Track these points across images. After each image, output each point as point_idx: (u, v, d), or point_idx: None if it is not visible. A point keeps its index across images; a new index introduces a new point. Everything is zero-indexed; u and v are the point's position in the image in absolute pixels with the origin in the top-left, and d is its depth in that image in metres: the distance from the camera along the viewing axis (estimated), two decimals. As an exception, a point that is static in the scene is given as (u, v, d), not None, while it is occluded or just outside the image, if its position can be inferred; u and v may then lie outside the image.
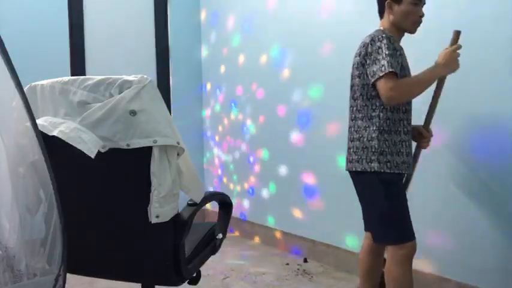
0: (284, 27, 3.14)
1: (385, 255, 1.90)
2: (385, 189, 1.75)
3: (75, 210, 1.40)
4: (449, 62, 1.75)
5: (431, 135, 1.91)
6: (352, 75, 1.85)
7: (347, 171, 1.89)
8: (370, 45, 1.72)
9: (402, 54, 1.78)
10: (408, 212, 1.79)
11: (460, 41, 1.80)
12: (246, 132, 3.54)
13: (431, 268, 2.28)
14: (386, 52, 1.67)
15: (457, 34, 1.80)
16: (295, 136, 3.08)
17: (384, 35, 1.71)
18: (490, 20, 2.00)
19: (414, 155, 1.90)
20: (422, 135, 1.88)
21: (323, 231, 2.91)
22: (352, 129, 1.83)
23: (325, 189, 2.88)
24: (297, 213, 3.09)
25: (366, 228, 1.98)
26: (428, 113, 1.87)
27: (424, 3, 1.81)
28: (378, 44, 1.70)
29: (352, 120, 1.84)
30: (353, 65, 1.84)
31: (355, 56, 1.83)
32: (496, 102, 2.01)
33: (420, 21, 1.81)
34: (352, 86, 1.85)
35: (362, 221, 1.97)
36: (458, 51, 1.77)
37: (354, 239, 2.69)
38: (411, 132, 1.84)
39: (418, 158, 1.93)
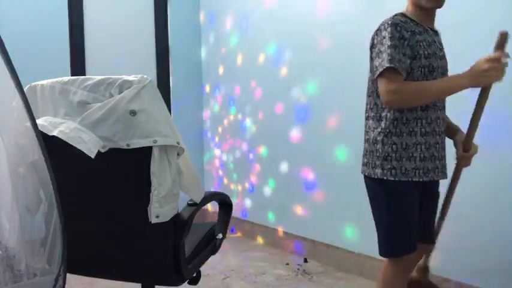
0: (282, 26, 3.14)
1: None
2: (386, 200, 1.58)
3: (75, 210, 1.40)
4: (480, 73, 1.43)
5: (475, 153, 1.65)
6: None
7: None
8: (376, 35, 1.53)
9: (420, 41, 1.51)
10: (410, 226, 1.58)
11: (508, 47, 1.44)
12: (246, 132, 3.54)
13: (431, 268, 2.28)
14: (389, 43, 1.45)
15: (504, 37, 1.45)
16: (295, 134, 3.08)
17: (390, 22, 1.48)
18: None
19: (453, 173, 1.68)
20: (463, 150, 1.64)
21: (323, 231, 2.91)
22: (365, 128, 1.65)
23: (325, 189, 2.88)
24: (297, 213, 3.09)
25: None
26: (468, 129, 1.61)
27: None
28: (383, 33, 1.49)
29: (365, 119, 1.65)
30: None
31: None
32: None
33: None
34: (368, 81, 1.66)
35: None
36: (503, 59, 1.42)
37: (354, 239, 2.69)
38: (439, 132, 1.60)
39: (457, 176, 1.69)
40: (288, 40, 3.10)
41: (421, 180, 1.57)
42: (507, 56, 1.45)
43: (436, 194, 1.72)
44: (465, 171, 2.12)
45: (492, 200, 2.05)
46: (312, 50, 2.91)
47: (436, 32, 1.62)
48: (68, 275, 1.20)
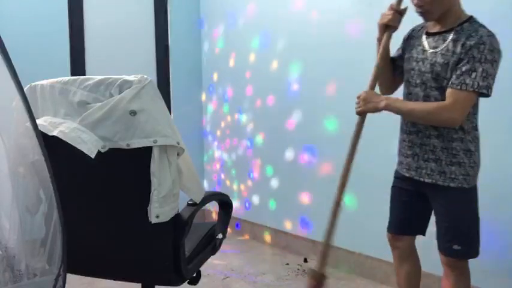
0: (285, 25, 3.15)
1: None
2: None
3: (75, 210, 1.40)
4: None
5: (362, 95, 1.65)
6: None
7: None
8: None
9: (410, 45, 1.66)
10: (392, 209, 1.80)
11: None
12: (245, 132, 3.54)
13: (431, 268, 2.28)
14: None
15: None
16: (291, 122, 3.08)
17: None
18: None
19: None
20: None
21: (323, 231, 2.90)
22: None
23: (325, 189, 2.88)
24: (297, 212, 3.09)
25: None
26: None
27: None
28: None
29: None
30: None
31: None
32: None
33: (417, 8, 1.57)
34: None
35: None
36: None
37: (354, 238, 2.69)
38: (407, 131, 1.67)
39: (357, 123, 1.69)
40: (276, 33, 3.16)
41: (398, 171, 1.75)
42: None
43: (437, 199, 1.65)
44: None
45: (492, 200, 2.04)
46: (297, 38, 2.99)
47: (438, 34, 1.58)
48: (68, 275, 1.20)
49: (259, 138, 3.41)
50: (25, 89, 1.33)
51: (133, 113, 1.28)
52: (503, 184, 2.02)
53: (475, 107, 1.56)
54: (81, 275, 1.63)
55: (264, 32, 3.31)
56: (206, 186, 4.06)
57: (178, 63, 3.92)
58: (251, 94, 3.46)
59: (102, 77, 1.34)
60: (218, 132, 3.87)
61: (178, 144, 1.34)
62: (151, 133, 1.30)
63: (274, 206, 3.31)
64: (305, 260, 2.96)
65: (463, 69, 1.46)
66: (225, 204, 1.89)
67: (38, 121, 1.35)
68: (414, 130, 1.64)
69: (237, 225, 3.65)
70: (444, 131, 1.56)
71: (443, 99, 1.53)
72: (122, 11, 3.70)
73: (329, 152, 2.82)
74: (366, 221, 2.56)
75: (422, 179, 1.64)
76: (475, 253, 1.63)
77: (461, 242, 1.59)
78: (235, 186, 3.69)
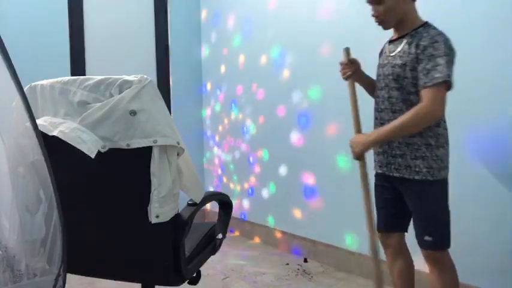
0: (284, 28, 3.14)
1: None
2: None
3: (75, 210, 1.40)
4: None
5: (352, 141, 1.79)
6: None
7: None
8: None
9: (380, 55, 1.85)
10: (378, 207, 1.86)
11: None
12: (246, 132, 3.54)
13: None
14: None
15: (346, 51, 1.88)
16: (295, 136, 3.08)
17: None
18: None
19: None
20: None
21: (323, 231, 2.91)
22: None
23: (325, 189, 2.88)
24: (297, 213, 3.09)
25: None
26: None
27: (370, 3, 1.72)
28: None
29: None
30: None
31: None
32: (494, 101, 2.01)
33: (375, 19, 1.72)
34: None
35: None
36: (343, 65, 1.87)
37: (354, 239, 2.69)
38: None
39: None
40: (291, 43, 3.09)
41: (374, 169, 1.84)
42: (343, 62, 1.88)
43: (406, 192, 1.74)
44: (466, 171, 2.12)
45: (493, 200, 2.05)
46: (314, 54, 2.90)
47: (397, 40, 1.72)
48: (68, 275, 1.20)
49: (260, 138, 3.41)
50: (25, 89, 1.33)
51: (133, 113, 1.28)
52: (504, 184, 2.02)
53: None
54: (81, 275, 1.63)
55: (271, 35, 3.31)
56: (206, 186, 4.06)
57: (178, 63, 3.93)
58: (252, 94, 3.45)
59: (102, 77, 1.34)
60: (218, 132, 3.87)
61: (178, 144, 1.34)
62: (151, 133, 1.30)
63: (274, 206, 3.31)
64: (305, 260, 2.96)
65: (427, 67, 1.57)
66: (225, 204, 1.89)
67: (38, 121, 1.35)
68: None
69: (237, 226, 3.65)
70: None
71: (403, 98, 1.67)
72: (122, 11, 3.70)
73: (330, 154, 2.82)
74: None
75: (392, 174, 1.75)
76: (446, 244, 1.70)
77: (431, 233, 1.67)
78: (235, 186, 3.69)
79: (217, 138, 3.89)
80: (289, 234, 3.17)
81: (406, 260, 1.88)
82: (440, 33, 1.59)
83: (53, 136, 1.31)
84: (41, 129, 1.26)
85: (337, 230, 2.81)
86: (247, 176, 3.55)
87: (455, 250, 2.17)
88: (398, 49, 1.69)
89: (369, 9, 1.76)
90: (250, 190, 3.52)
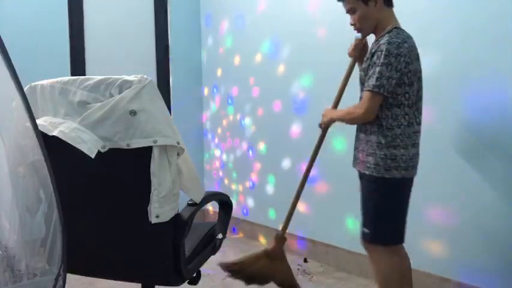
0: (276, 23, 3.15)
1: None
2: None
3: (75, 210, 1.40)
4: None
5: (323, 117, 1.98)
6: (420, 77, 1.78)
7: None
8: None
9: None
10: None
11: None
12: (245, 131, 3.54)
13: (431, 268, 2.28)
14: None
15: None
16: (294, 130, 3.08)
17: None
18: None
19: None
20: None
21: (323, 231, 2.91)
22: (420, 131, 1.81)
23: (325, 189, 2.88)
24: (297, 213, 3.08)
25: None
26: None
27: (347, 12, 1.84)
28: None
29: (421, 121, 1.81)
30: (420, 66, 1.77)
31: (419, 58, 1.77)
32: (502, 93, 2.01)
33: (353, 27, 1.85)
34: (422, 89, 1.79)
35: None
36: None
37: (354, 239, 2.68)
38: (357, 128, 1.88)
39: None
40: (284, 37, 3.11)
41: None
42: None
43: (360, 185, 1.85)
44: (466, 172, 2.12)
45: (493, 200, 2.05)
46: (307, 45, 2.92)
47: (376, 44, 1.77)
48: (68, 275, 1.20)
49: (260, 138, 3.41)
50: (25, 89, 1.33)
51: (133, 113, 1.28)
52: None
53: (400, 107, 1.71)
54: (81, 275, 1.63)
55: (263, 32, 3.31)
56: (206, 186, 4.06)
57: (178, 63, 3.93)
58: (252, 94, 3.46)
59: (102, 77, 1.34)
60: (218, 132, 3.87)
61: (178, 144, 1.34)
62: (152, 133, 1.30)
63: (274, 206, 3.30)
64: (305, 260, 2.96)
65: (369, 73, 1.71)
66: (225, 204, 1.89)
67: (38, 121, 1.35)
68: (357, 127, 1.87)
69: (236, 225, 3.65)
70: (368, 126, 1.77)
71: (361, 95, 1.81)
72: (122, 10, 3.70)
73: (330, 155, 2.82)
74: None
75: (356, 168, 1.86)
76: (381, 239, 1.77)
77: (368, 225, 1.78)
78: (235, 186, 3.70)
79: (217, 138, 3.90)
80: (289, 234, 3.16)
81: (401, 255, 1.87)
82: (389, 42, 1.66)
83: (53, 136, 1.31)
84: (41, 129, 1.26)
85: (337, 230, 2.81)
86: (247, 176, 3.55)
87: (456, 250, 2.18)
88: (367, 54, 1.80)
89: None
90: (250, 190, 3.52)
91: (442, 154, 2.20)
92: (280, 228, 2.22)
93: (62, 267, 1.13)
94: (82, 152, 1.27)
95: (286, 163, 3.18)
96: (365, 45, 1.96)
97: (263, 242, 3.40)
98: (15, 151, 1.25)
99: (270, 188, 3.34)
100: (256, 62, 3.37)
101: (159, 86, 3.55)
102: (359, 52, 1.95)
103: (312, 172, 2.96)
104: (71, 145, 1.28)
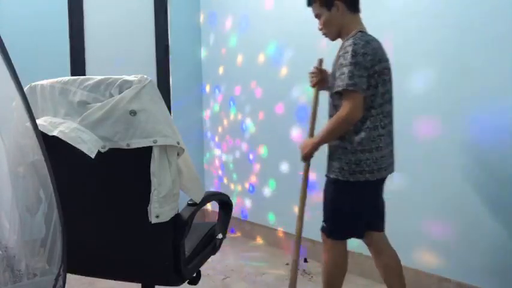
0: (281, 25, 3.14)
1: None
2: None
3: (75, 210, 1.40)
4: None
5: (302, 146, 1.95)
6: (389, 79, 1.80)
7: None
8: None
9: None
10: None
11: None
12: (245, 132, 3.54)
13: (431, 268, 2.28)
14: None
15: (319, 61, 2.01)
16: (295, 134, 3.08)
17: None
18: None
19: None
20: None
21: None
22: (389, 133, 1.82)
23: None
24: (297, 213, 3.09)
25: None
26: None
27: (315, 17, 1.89)
28: None
29: (390, 124, 1.82)
30: (388, 69, 1.79)
31: (388, 60, 1.80)
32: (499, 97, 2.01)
33: (321, 32, 1.90)
34: (390, 91, 1.81)
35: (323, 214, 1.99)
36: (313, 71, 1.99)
37: (354, 239, 2.68)
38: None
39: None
40: (288, 40, 3.10)
41: None
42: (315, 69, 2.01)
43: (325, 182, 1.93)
44: (466, 171, 2.12)
45: (493, 200, 2.05)
46: (311, 50, 2.91)
47: (342, 48, 1.78)
48: (68, 275, 1.20)
49: (260, 140, 3.41)
50: (25, 89, 1.33)
51: (133, 113, 1.28)
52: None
53: (367, 109, 1.73)
54: (81, 275, 1.63)
55: (268, 33, 3.31)
56: (206, 186, 4.06)
57: (178, 63, 3.93)
58: (254, 96, 3.46)
59: (102, 77, 1.34)
60: (218, 132, 3.87)
61: (178, 144, 1.34)
62: (152, 133, 1.30)
63: (274, 206, 3.30)
64: (305, 260, 2.96)
65: (336, 75, 1.73)
66: (225, 204, 1.89)
67: (38, 121, 1.35)
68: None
69: (237, 226, 3.65)
70: None
71: (334, 104, 1.82)
72: (122, 10, 3.70)
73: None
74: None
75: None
76: (333, 234, 1.88)
77: (326, 220, 1.90)
78: (235, 186, 3.69)
79: (217, 138, 3.90)
80: (289, 234, 3.17)
81: (390, 256, 1.94)
82: (355, 43, 1.69)
83: (53, 136, 1.31)
84: (41, 129, 1.26)
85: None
86: (247, 176, 3.55)
87: (456, 250, 2.18)
88: (334, 60, 1.84)
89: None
90: (250, 190, 3.52)
91: (444, 153, 2.20)
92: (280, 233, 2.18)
93: (62, 267, 1.13)
94: (82, 152, 1.26)
95: (286, 167, 3.18)
96: (322, 70, 2.00)
97: (262, 243, 3.40)
98: (15, 151, 1.25)
99: (269, 191, 3.34)
100: (259, 63, 3.36)
101: (159, 86, 3.55)
102: (319, 78, 1.98)
103: (312, 178, 2.97)
104: (71, 145, 1.28)
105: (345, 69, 1.67)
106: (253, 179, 3.49)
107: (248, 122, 3.50)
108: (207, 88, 4.00)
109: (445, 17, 2.17)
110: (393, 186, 2.43)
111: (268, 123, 3.31)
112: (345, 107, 1.71)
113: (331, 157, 1.86)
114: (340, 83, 1.68)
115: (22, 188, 1.24)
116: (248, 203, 3.56)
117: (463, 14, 2.10)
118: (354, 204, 1.82)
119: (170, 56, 3.89)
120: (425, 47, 2.24)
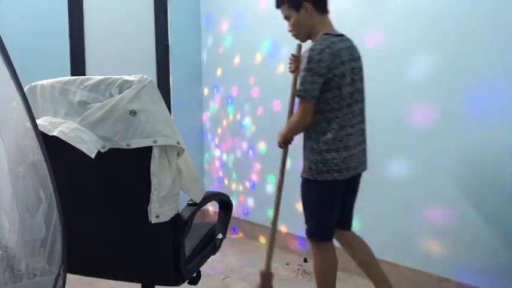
0: (276, 24, 3.13)
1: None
2: None
3: (75, 210, 1.40)
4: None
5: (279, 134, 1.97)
6: (359, 79, 1.83)
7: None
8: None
9: None
10: None
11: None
12: (245, 132, 3.54)
13: (431, 268, 2.28)
14: None
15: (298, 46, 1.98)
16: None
17: None
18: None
19: None
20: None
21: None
22: (361, 132, 1.85)
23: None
24: (297, 212, 3.09)
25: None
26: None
27: (284, 19, 1.91)
28: None
29: (361, 122, 1.85)
30: (358, 68, 1.82)
31: (358, 59, 1.83)
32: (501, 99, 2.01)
33: (291, 35, 1.91)
34: (361, 90, 1.85)
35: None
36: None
37: (354, 239, 2.68)
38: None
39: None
40: (283, 38, 3.10)
41: None
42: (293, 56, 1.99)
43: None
44: (465, 171, 2.12)
45: (493, 200, 2.05)
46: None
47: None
48: (68, 275, 1.20)
49: (260, 138, 3.41)
50: (25, 89, 1.33)
51: (133, 113, 1.28)
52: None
53: (332, 111, 1.75)
54: (81, 275, 1.63)
55: (263, 32, 3.31)
56: (206, 186, 4.06)
57: (178, 63, 3.93)
58: (252, 94, 3.46)
59: (102, 77, 1.34)
60: (218, 132, 3.87)
61: (178, 144, 1.34)
62: (152, 133, 1.30)
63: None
64: (305, 260, 2.96)
65: (298, 79, 1.77)
66: (225, 204, 1.89)
67: (38, 121, 1.35)
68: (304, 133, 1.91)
69: (237, 225, 3.65)
70: (307, 132, 1.84)
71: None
72: (122, 10, 3.71)
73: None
74: (367, 220, 2.56)
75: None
76: (315, 236, 1.90)
77: (306, 222, 1.92)
78: (235, 186, 3.70)
79: (217, 138, 3.90)
80: (289, 234, 3.17)
81: (363, 251, 2.00)
82: (312, 49, 1.71)
83: (53, 136, 1.31)
84: (41, 129, 1.26)
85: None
86: (247, 176, 3.55)
87: (456, 250, 2.18)
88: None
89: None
90: (250, 190, 3.52)
91: (443, 155, 2.20)
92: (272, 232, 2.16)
93: (62, 267, 1.13)
94: (82, 152, 1.26)
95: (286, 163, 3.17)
96: (299, 58, 1.97)
97: (263, 242, 3.40)
98: (15, 151, 1.25)
99: (270, 188, 3.34)
100: (256, 61, 3.37)
101: (159, 86, 3.56)
102: (297, 64, 1.96)
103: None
104: (71, 145, 1.28)
105: (302, 74, 1.73)
106: (253, 177, 3.49)
107: (247, 120, 3.50)
108: (207, 88, 4.00)
109: (445, 17, 2.17)
110: (392, 179, 2.44)
111: (268, 120, 3.31)
112: (297, 112, 1.80)
113: (303, 157, 1.89)
114: (298, 88, 1.75)
115: (22, 188, 1.24)
116: (249, 201, 3.56)
117: (463, 14, 2.10)
118: (324, 203, 1.85)
119: (170, 56, 3.89)
120: (426, 44, 2.24)
